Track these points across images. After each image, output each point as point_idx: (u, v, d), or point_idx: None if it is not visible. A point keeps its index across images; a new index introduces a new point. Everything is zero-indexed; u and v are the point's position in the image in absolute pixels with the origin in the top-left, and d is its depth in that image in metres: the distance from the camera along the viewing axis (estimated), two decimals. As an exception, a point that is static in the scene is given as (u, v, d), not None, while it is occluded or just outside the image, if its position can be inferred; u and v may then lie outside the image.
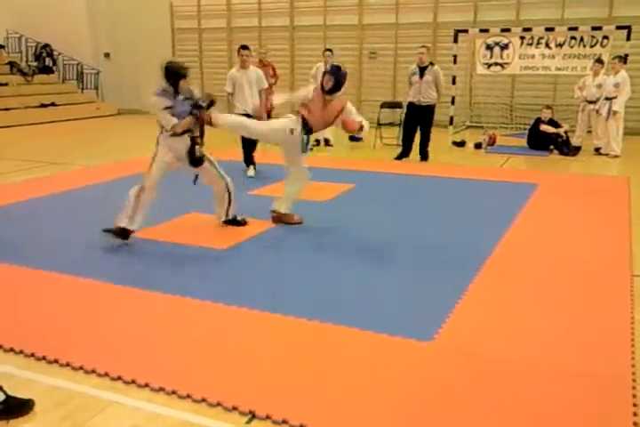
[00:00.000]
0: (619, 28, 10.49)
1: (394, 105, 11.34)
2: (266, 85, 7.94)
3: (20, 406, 2.66)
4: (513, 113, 13.06)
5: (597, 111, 9.79)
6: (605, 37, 10.62)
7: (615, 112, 9.54)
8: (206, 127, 5.21)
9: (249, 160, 8.01)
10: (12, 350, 3.22)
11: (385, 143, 10.49)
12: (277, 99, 5.88)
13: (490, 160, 9.45)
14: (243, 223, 5.57)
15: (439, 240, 5.20)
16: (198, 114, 5.02)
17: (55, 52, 17.09)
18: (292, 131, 5.38)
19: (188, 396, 2.78)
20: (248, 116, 7.65)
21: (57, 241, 5.06)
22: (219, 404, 2.72)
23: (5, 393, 2.65)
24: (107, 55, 17.03)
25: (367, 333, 3.41)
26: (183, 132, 5.06)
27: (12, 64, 15.84)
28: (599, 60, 10.00)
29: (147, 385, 2.87)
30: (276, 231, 5.47)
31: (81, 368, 3.02)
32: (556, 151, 9.95)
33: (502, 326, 3.58)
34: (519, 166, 9.13)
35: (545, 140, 10.04)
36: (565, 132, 10.05)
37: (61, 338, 3.36)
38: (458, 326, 3.53)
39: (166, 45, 16.02)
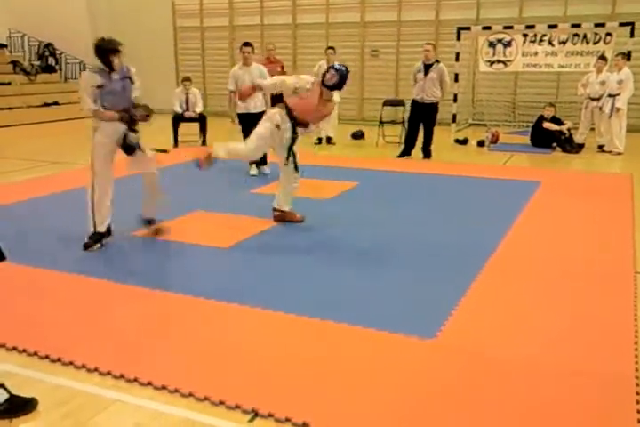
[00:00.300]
0: (622, 24, 10.44)
1: (396, 103, 11.32)
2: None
3: (23, 405, 2.67)
4: (516, 110, 13.03)
5: (600, 108, 9.76)
6: (608, 34, 10.57)
7: (618, 109, 9.51)
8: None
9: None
10: (14, 348, 3.22)
11: (387, 141, 10.48)
12: (269, 80, 5.76)
13: (492, 158, 9.43)
14: (159, 232, 5.20)
15: (442, 238, 5.19)
16: (127, 121, 4.79)
17: (58, 51, 17.09)
18: (277, 126, 5.32)
19: (191, 394, 2.78)
20: (250, 115, 7.62)
21: (58, 240, 5.06)
22: (221, 402, 2.72)
23: (9, 392, 2.65)
24: (109, 54, 17.01)
25: (369, 330, 3.41)
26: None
27: (14, 63, 15.84)
28: (602, 57, 9.97)
29: (149, 384, 2.88)
30: (278, 230, 5.47)
31: (83, 367, 3.03)
32: (558, 149, 9.93)
33: (505, 323, 3.57)
34: (522, 164, 9.11)
35: (548, 137, 10.02)
36: (568, 130, 10.03)
37: (64, 337, 3.37)
38: (460, 324, 3.52)
39: (168, 44, 16.03)
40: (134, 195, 5.09)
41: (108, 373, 2.97)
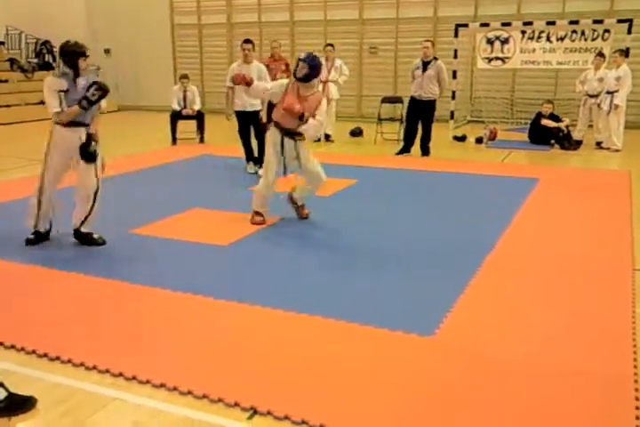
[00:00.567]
0: (620, 21, 10.44)
1: (394, 100, 11.30)
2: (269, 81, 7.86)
3: (21, 404, 2.67)
4: (514, 107, 13.01)
5: (599, 105, 9.76)
6: (607, 31, 10.57)
7: (616, 106, 9.51)
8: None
9: (250, 156, 7.98)
10: (13, 347, 3.22)
11: (385, 138, 10.47)
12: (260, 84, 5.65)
13: (491, 155, 9.43)
14: (100, 242, 4.88)
15: (440, 235, 5.19)
16: (87, 106, 4.59)
17: (55, 49, 17.04)
18: (278, 143, 5.34)
19: (190, 392, 2.79)
20: (246, 114, 7.58)
21: (55, 238, 5.05)
22: (220, 400, 2.72)
23: (7, 390, 2.65)
24: (107, 51, 16.98)
25: (368, 328, 3.41)
26: (78, 124, 4.68)
27: (12, 61, 15.80)
28: (600, 54, 9.96)
29: (148, 382, 2.88)
30: (276, 228, 5.47)
31: (82, 365, 3.02)
32: (557, 146, 9.93)
33: (503, 321, 3.57)
34: (520, 161, 9.11)
35: (546, 134, 10.01)
36: (566, 127, 10.02)
37: (62, 335, 3.36)
38: (459, 322, 3.52)
39: (166, 41, 15.99)
40: (128, 194, 5.08)
41: (107, 371, 2.97)
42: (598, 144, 9.91)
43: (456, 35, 11.64)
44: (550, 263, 4.52)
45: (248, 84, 5.33)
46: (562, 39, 10.90)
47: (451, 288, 4.00)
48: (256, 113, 7.69)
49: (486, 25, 11.45)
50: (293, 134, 5.34)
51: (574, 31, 10.80)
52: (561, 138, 9.92)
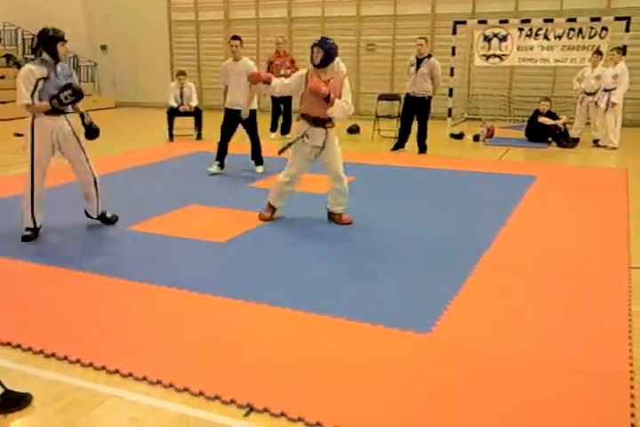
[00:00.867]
0: (617, 19, 10.42)
1: (391, 97, 11.30)
2: None
3: (17, 400, 2.66)
4: (511, 105, 13.02)
5: (596, 103, 9.77)
6: (604, 29, 10.55)
7: (614, 104, 9.52)
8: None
9: (221, 156, 7.70)
10: (8, 344, 3.21)
11: (383, 135, 10.47)
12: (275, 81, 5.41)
13: (488, 152, 9.43)
14: (114, 220, 5.29)
15: (437, 233, 5.20)
16: (57, 107, 4.63)
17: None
18: (307, 136, 5.22)
19: (186, 389, 2.78)
20: (232, 112, 7.42)
21: (54, 234, 5.05)
22: (216, 397, 2.72)
23: (3, 387, 2.65)
24: (103, 48, 16.93)
25: (365, 325, 3.41)
26: (59, 113, 4.72)
27: (8, 57, 15.75)
28: (598, 52, 9.96)
29: (144, 379, 2.87)
30: (274, 225, 5.46)
31: (78, 362, 3.02)
32: (554, 143, 9.94)
33: (500, 318, 3.58)
34: (517, 159, 9.12)
35: (543, 132, 10.02)
36: (564, 124, 10.03)
37: (58, 332, 3.36)
38: (455, 319, 3.53)
39: (163, 38, 15.95)
40: (126, 191, 5.07)
41: (103, 368, 2.96)
42: (595, 142, 9.92)
43: (454, 32, 11.61)
44: (547, 261, 4.52)
45: (266, 82, 5.21)
46: (559, 37, 10.88)
47: (448, 286, 4.00)
48: (252, 112, 7.61)
49: (484, 22, 11.43)
50: (323, 121, 5.23)
51: (572, 29, 10.77)
52: (558, 136, 9.93)
